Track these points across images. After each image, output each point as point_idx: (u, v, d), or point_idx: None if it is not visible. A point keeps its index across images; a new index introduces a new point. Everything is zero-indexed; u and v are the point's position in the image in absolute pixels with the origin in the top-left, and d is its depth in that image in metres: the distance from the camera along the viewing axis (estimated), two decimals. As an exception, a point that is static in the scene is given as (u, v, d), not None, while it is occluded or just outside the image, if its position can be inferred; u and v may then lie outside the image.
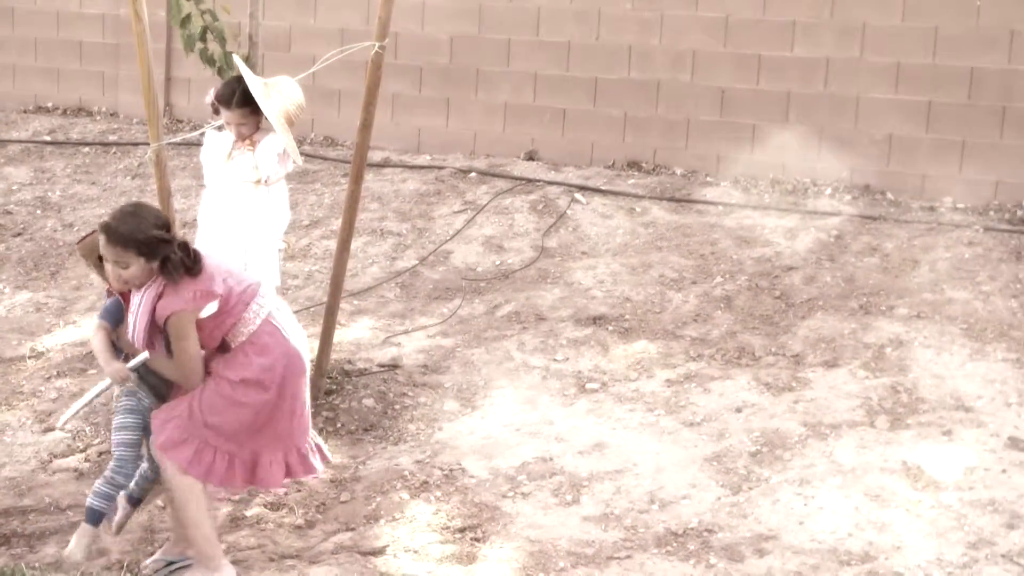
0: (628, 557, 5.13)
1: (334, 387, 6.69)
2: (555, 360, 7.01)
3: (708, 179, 9.34)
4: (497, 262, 8.29)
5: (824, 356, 6.81)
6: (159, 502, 5.46)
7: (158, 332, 4.82)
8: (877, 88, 9.09)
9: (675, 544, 5.20)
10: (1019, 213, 8.50)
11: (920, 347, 6.83)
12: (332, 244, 7.77)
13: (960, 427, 6.01)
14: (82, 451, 6.30)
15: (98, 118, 11.15)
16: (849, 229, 8.39)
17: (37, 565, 5.10)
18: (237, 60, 6.02)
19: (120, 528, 5.14)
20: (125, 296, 4.94)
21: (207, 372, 4.88)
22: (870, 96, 9.11)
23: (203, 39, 6.75)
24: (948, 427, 6.00)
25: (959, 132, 8.88)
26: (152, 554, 5.29)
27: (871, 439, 5.92)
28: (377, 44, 6.08)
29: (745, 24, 9.36)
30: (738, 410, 6.26)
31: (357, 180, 6.38)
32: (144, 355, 4.88)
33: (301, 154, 9.51)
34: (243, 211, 6.20)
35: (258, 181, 6.24)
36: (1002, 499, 5.35)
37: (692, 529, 5.29)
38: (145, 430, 5.00)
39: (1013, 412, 6.14)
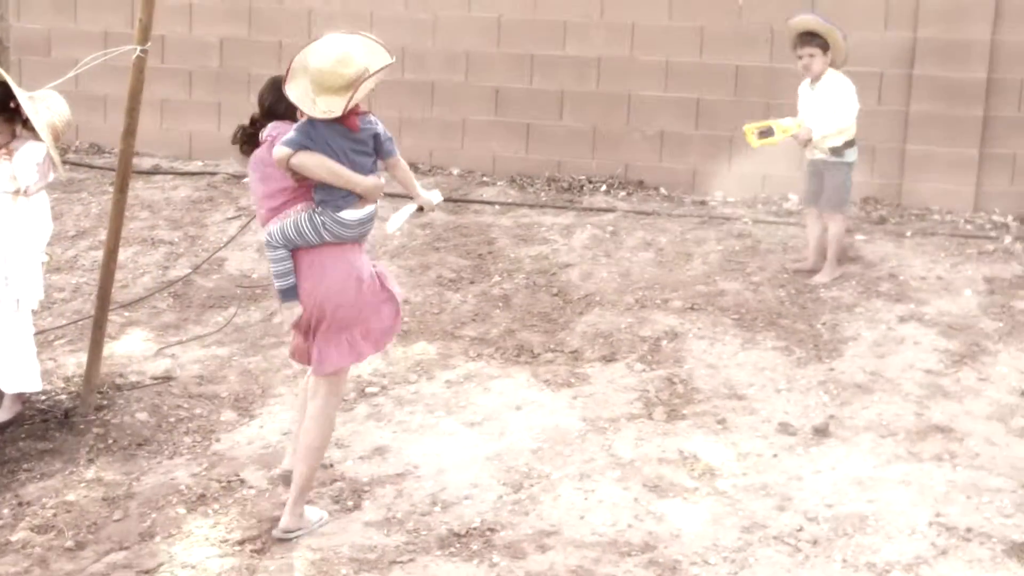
0: (411, 560, 5.06)
1: (105, 402, 6.45)
2: (335, 365, 6.90)
3: (485, 179, 9.36)
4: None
5: (602, 351, 6.88)
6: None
7: None
8: (648, 86, 9.26)
9: (458, 545, 5.16)
10: (785, 205, 8.77)
11: (694, 338, 6.96)
12: (100, 255, 7.49)
13: (733, 415, 6.14)
14: None
15: None
16: (624, 225, 8.52)
17: None
18: (-3, 69, 5.75)
19: None
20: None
21: None
22: (641, 94, 9.29)
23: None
24: (722, 415, 6.13)
25: (727, 127, 9.11)
26: None
27: (649, 431, 6.00)
28: (139, 48, 5.88)
29: (518, 24, 9.43)
30: (518, 408, 6.26)
31: (123, 189, 6.16)
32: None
33: (64, 162, 9.21)
34: (2, 222, 5.93)
35: (17, 192, 5.98)
36: (773, 483, 5.49)
37: (475, 529, 5.26)
38: None
39: (783, 398, 6.31)
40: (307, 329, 5.08)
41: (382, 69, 4.76)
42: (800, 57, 7.56)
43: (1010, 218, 8.54)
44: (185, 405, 6.51)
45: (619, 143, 9.38)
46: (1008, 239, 8.14)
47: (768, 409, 6.20)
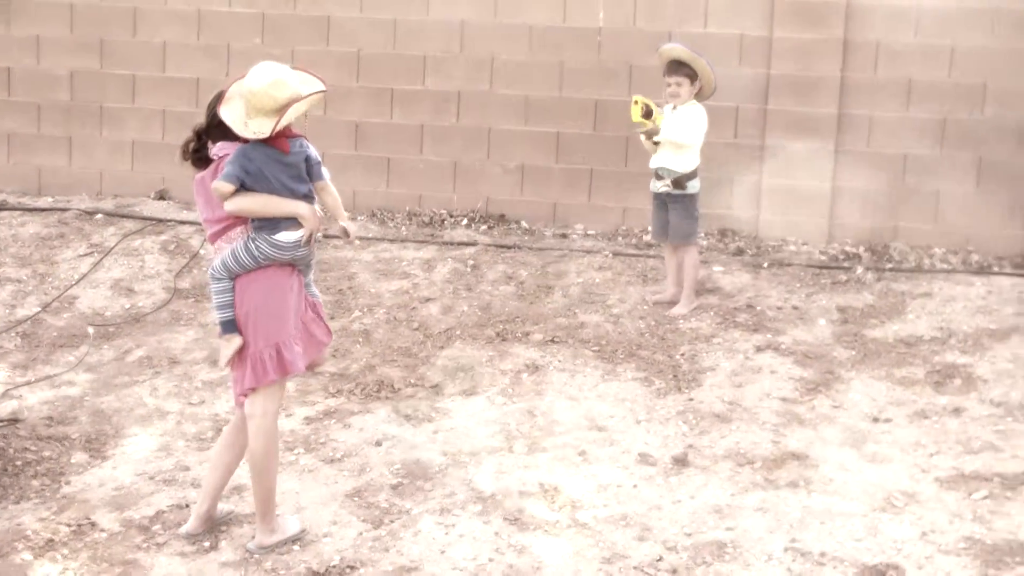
0: (269, 601, 4.97)
1: (-52, 446, 6.21)
2: (190, 404, 6.76)
3: (345, 213, 9.27)
4: (127, 306, 7.95)
5: (463, 385, 6.85)
6: None
7: None
8: (508, 120, 9.30)
9: (317, 584, 5.07)
10: (644, 238, 8.85)
11: (555, 371, 6.97)
12: (-57, 293, 7.27)
13: (593, 447, 6.15)
14: None
15: None
16: (485, 258, 8.52)
17: None
18: None
19: None
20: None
21: None
22: (501, 127, 9.31)
23: None
24: (583, 447, 6.13)
25: (587, 161, 9.19)
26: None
27: (510, 464, 5.97)
28: (-22, 80, 5.71)
29: (377, 58, 9.39)
30: (378, 443, 6.20)
31: (-36, 223, 5.96)
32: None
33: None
34: None
35: None
36: (634, 513, 5.50)
37: (334, 567, 5.17)
38: None
39: (643, 429, 6.34)
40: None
41: (313, 94, 4.99)
42: (668, 84, 7.66)
43: (862, 248, 8.73)
44: (33, 448, 6.30)
45: (480, 177, 9.39)
46: (860, 269, 8.32)
47: (628, 440, 6.22)
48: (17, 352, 7.43)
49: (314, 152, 5.14)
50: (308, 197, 5.15)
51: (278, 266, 5.09)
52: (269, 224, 5.04)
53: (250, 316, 5.08)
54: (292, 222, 5.07)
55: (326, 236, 8.80)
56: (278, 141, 4.99)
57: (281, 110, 4.89)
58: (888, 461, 5.97)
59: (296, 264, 5.14)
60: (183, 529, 5.46)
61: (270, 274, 5.08)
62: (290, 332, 5.13)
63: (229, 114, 4.96)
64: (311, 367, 5.51)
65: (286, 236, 5.05)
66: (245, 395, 5.17)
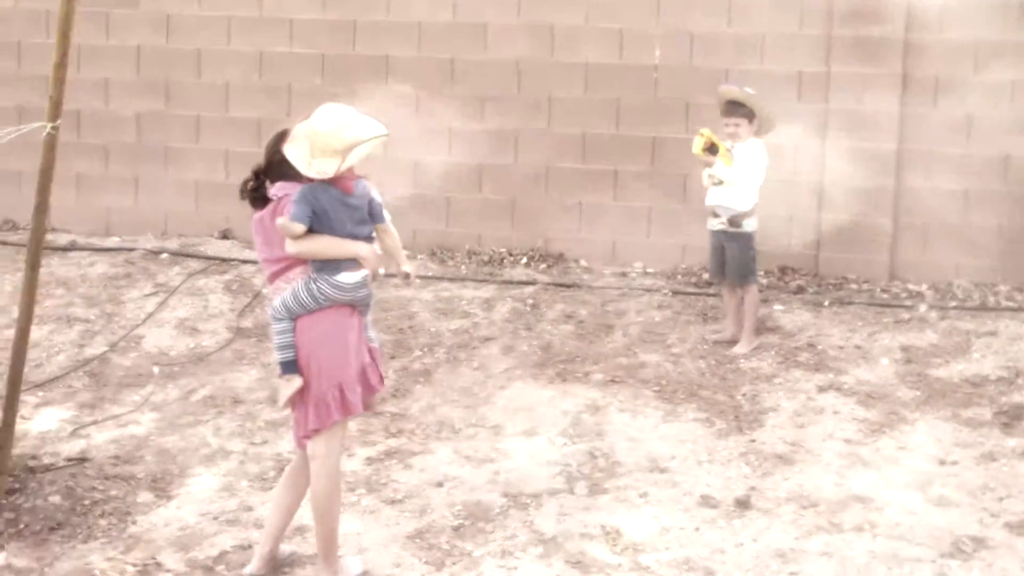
0: (334, 644, 4.99)
1: (17, 486, 6.27)
2: (253, 443, 6.82)
3: (405, 253, 9.32)
4: (191, 345, 8.04)
5: (523, 425, 6.86)
6: None
7: None
8: (566, 157, 9.33)
9: (382, 626, 5.10)
10: (704, 276, 8.83)
11: (616, 411, 6.97)
12: (13, 334, 7.37)
13: (655, 488, 6.13)
14: None
15: None
16: (544, 297, 8.54)
17: None
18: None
19: None
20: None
21: None
22: (559, 165, 9.34)
23: None
24: (644, 489, 6.12)
25: (645, 199, 9.19)
26: None
27: (571, 505, 5.97)
28: (49, 125, 5.80)
29: (436, 97, 9.46)
30: (439, 484, 6.21)
31: (35, 266, 6.04)
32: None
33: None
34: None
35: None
36: (696, 556, 5.47)
37: (397, 609, 5.20)
38: None
39: (704, 470, 6.32)
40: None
41: (377, 138, 5.03)
42: (727, 125, 7.67)
43: (924, 286, 8.67)
44: (100, 487, 6.38)
45: (538, 215, 9.43)
46: (923, 307, 8.26)
47: (690, 481, 6.20)
48: (85, 391, 7.53)
49: (376, 194, 5.20)
50: (369, 239, 5.20)
51: (339, 307, 5.12)
52: (330, 265, 5.08)
53: (312, 357, 5.11)
54: (353, 263, 5.10)
55: (386, 275, 8.86)
56: (342, 182, 5.04)
57: (345, 151, 4.94)
58: (955, 505, 5.90)
59: (356, 305, 5.18)
60: (247, 570, 5.49)
61: (331, 315, 5.12)
62: (352, 373, 5.17)
63: (294, 153, 5.03)
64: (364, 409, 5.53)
65: (347, 277, 5.09)
66: (308, 437, 5.21)
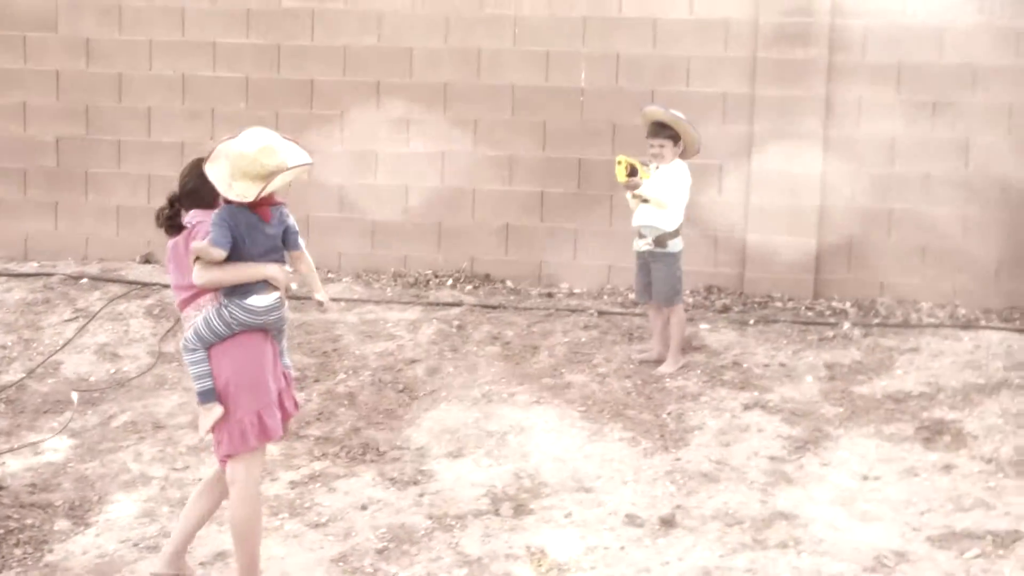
0: (252, 671, 4.90)
1: (-71, 515, 6.15)
2: (175, 469, 6.71)
3: (330, 275, 9.28)
4: (112, 370, 7.91)
5: (449, 447, 6.81)
6: None
7: None
8: (492, 180, 9.32)
9: (301, 652, 5.02)
10: (630, 296, 8.84)
11: (541, 432, 6.93)
12: (-74, 360, 7.23)
13: (581, 508, 6.10)
14: None
15: None
16: (471, 319, 8.50)
17: None
18: None
19: None
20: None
21: None
22: (486, 188, 9.33)
23: None
24: (569, 508, 6.09)
25: (571, 220, 9.20)
26: None
27: (496, 527, 5.92)
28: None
29: (361, 120, 9.43)
30: (364, 507, 6.14)
31: (-54, 291, 5.93)
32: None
33: None
34: None
35: None
36: (621, 575, 5.46)
37: (319, 635, 5.12)
38: None
39: (630, 489, 6.29)
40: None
41: (300, 166, 4.97)
42: (652, 146, 7.68)
43: (848, 304, 8.73)
44: (15, 515, 6.24)
45: (464, 237, 9.40)
46: (847, 325, 8.31)
47: (615, 501, 6.17)
48: (1, 418, 7.38)
49: (293, 222, 5.13)
50: (280, 264, 5.14)
51: (252, 332, 5.05)
52: (240, 289, 5.01)
53: (229, 385, 5.03)
54: (263, 284, 5.03)
55: (309, 297, 8.79)
56: (260, 209, 4.98)
57: (268, 177, 4.87)
58: (878, 520, 5.92)
59: (269, 329, 5.11)
60: (151, 570, 5.40)
61: (244, 341, 5.04)
62: (270, 398, 5.09)
63: (215, 173, 4.94)
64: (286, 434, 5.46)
65: (258, 300, 5.02)
66: (224, 461, 5.13)
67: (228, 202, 4.95)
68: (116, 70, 9.80)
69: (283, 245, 5.11)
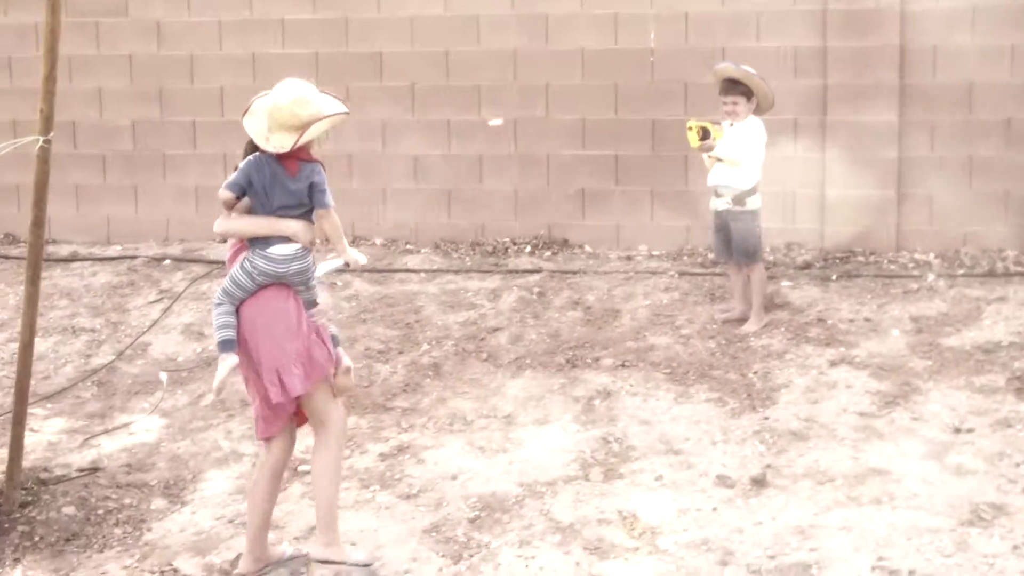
0: (353, 641, 4.96)
1: (30, 498, 6.26)
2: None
3: (408, 247, 9.32)
4: (198, 349, 8.01)
5: (535, 414, 6.82)
6: None
7: None
8: (566, 145, 9.29)
9: (400, 622, 5.07)
10: (710, 256, 8.79)
11: (627, 395, 6.93)
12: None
13: (670, 470, 6.09)
14: None
15: None
16: (551, 285, 8.50)
17: None
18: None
19: None
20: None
21: None
22: (560, 153, 9.31)
23: None
24: (659, 472, 6.08)
25: (647, 182, 9.16)
26: None
27: (587, 492, 5.93)
28: (42, 138, 5.76)
29: (432, 91, 9.45)
30: (454, 477, 6.18)
31: (34, 281, 6.01)
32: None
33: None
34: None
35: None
36: (714, 537, 5.43)
37: (416, 605, 5.17)
38: None
39: (719, 450, 6.27)
40: (261, 394, 5.17)
41: (335, 115, 5.00)
42: (725, 104, 7.62)
43: (932, 256, 8.63)
44: (113, 496, 6.35)
45: (541, 203, 9.39)
46: (931, 277, 8.21)
47: (705, 462, 6.16)
48: (94, 401, 7.51)
49: (320, 179, 5.08)
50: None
51: (275, 289, 5.05)
52: (263, 240, 5.04)
53: (249, 343, 5.06)
54: (285, 238, 5.05)
55: (391, 270, 8.83)
56: (289, 163, 4.99)
57: (303, 127, 4.90)
58: (972, 473, 5.86)
59: (291, 284, 5.08)
60: (235, 572, 5.45)
61: (266, 297, 5.05)
62: (288, 358, 5.05)
63: (252, 127, 4.99)
64: (339, 393, 5.40)
65: (279, 249, 5.03)
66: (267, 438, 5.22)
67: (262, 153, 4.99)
68: (187, 52, 9.89)
69: (310, 203, 5.08)
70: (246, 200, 5.04)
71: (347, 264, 5.29)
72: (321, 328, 5.25)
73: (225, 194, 4.98)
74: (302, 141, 4.91)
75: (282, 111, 4.89)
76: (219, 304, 5.09)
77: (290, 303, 5.10)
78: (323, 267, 5.34)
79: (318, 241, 5.23)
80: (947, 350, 7.22)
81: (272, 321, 5.06)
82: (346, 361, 5.32)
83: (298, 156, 4.99)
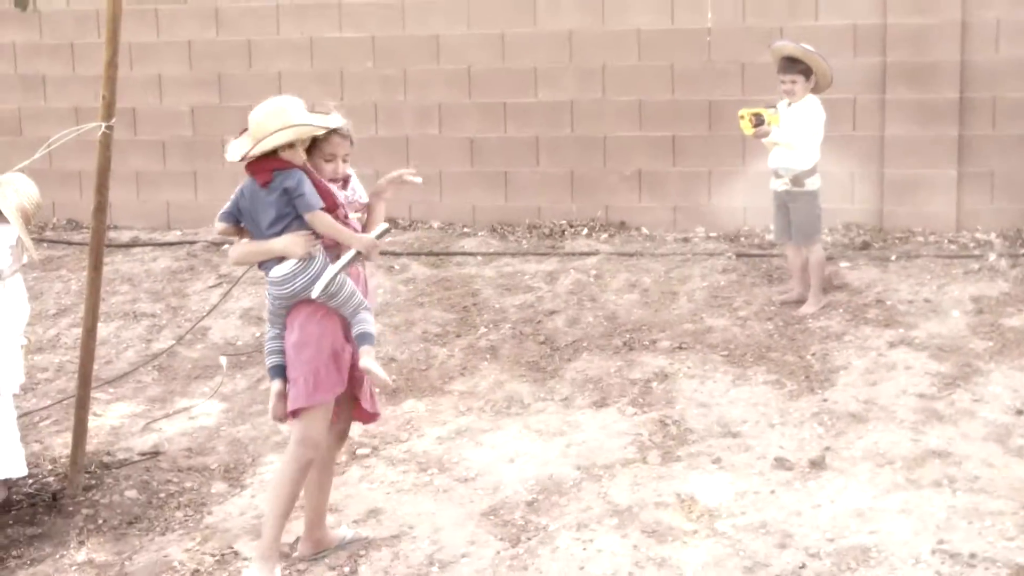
0: (412, 624, 4.99)
1: (93, 482, 6.35)
2: (324, 429, 6.82)
3: (465, 230, 9.33)
4: (257, 334, 8.07)
5: (592, 397, 6.82)
6: None
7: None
8: (622, 126, 9.26)
9: (458, 605, 5.09)
10: (767, 237, 8.74)
11: (684, 378, 6.91)
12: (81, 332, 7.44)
13: (728, 453, 6.07)
14: None
15: None
16: (607, 267, 8.49)
17: None
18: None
19: None
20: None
21: None
22: (616, 134, 9.28)
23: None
24: (717, 454, 6.06)
25: (704, 163, 9.11)
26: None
27: (644, 475, 5.93)
28: (103, 124, 5.82)
29: (488, 74, 9.44)
30: (511, 460, 6.19)
31: (97, 267, 6.09)
32: (385, 225, 5.12)
33: (41, 240, 9.16)
34: (-23, 308, 5.87)
35: (-10, 277, 5.92)
36: (772, 520, 5.41)
37: (474, 588, 5.18)
38: None
39: (777, 433, 6.25)
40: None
41: (301, 126, 4.87)
42: (783, 83, 7.55)
43: (993, 235, 8.52)
44: (175, 479, 6.43)
45: (597, 185, 9.37)
46: (992, 256, 8.11)
47: (763, 445, 6.13)
48: (155, 385, 7.59)
49: (293, 184, 4.88)
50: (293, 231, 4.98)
51: (317, 307, 5.00)
52: (265, 265, 5.04)
53: (290, 342, 5.09)
54: (280, 258, 4.99)
55: (447, 253, 8.85)
56: (260, 175, 4.90)
57: (259, 137, 4.83)
58: (1035, 455, 5.80)
59: (316, 300, 4.99)
60: (294, 555, 5.50)
61: (305, 310, 5.04)
62: (322, 360, 5.04)
63: (235, 147, 4.97)
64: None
65: (277, 270, 4.99)
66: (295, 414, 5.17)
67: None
68: (245, 37, 9.94)
69: (290, 211, 4.94)
70: None
71: (360, 253, 5.08)
72: (350, 352, 5.13)
73: (218, 225, 5.03)
74: (257, 150, 4.80)
75: (259, 125, 4.85)
76: (268, 326, 5.20)
77: (322, 317, 5.03)
78: (331, 269, 5.05)
79: (319, 245, 5.05)
80: (1009, 331, 7.14)
81: (307, 324, 5.04)
82: (363, 362, 5.10)
83: (272, 166, 4.88)
